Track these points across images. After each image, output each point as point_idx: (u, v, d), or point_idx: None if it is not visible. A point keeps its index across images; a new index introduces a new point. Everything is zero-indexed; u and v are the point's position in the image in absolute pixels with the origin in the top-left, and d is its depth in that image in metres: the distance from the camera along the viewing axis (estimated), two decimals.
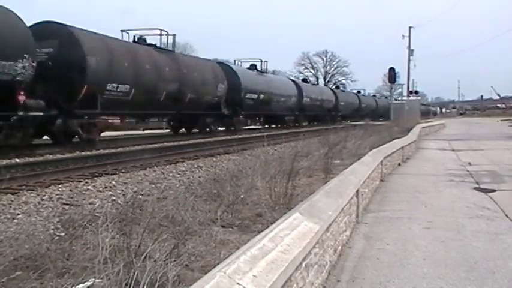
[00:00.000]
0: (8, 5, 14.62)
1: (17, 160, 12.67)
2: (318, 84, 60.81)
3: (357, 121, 45.13)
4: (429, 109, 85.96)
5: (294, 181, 7.08)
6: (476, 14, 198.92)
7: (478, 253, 5.04)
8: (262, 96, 31.47)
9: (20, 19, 14.73)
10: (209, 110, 25.80)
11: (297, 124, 38.72)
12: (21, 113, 14.01)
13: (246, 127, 32.18)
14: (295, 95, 38.28)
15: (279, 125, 37.13)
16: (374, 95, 74.66)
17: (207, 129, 26.19)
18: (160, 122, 31.86)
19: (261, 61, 34.01)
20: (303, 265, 3.29)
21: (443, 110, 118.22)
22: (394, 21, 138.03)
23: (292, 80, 43.99)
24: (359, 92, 65.11)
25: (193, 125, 26.27)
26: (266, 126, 36.52)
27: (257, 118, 36.76)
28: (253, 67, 33.15)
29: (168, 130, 28.69)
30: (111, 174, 10.94)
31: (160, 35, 22.60)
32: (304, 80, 51.23)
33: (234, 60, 33.15)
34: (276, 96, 34.16)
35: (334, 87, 62.50)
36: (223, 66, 29.12)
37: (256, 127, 35.47)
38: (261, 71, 33.76)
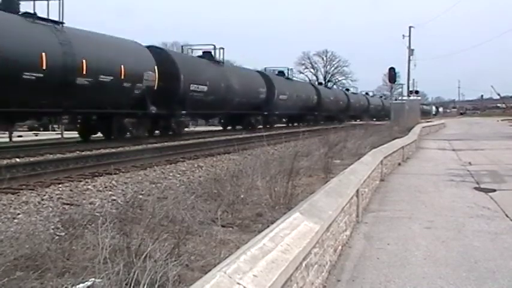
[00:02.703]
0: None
1: (18, 160, 12.68)
2: (321, 84, 61.69)
3: (365, 120, 49.51)
4: (424, 109, 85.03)
5: (294, 181, 7.08)
6: (476, 13, 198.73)
7: (478, 253, 5.04)
8: (290, 98, 37.34)
9: (144, 47, 22.30)
10: (253, 110, 32.19)
11: (315, 123, 43.12)
12: (148, 112, 20.91)
13: (277, 125, 37.90)
14: (315, 97, 44.42)
15: (301, 124, 41.14)
16: (380, 96, 75.21)
17: (249, 127, 31.81)
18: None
19: (288, 69, 40.66)
20: (303, 265, 3.29)
21: (440, 109, 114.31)
22: (394, 21, 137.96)
23: (312, 84, 52.40)
24: (367, 93, 67.16)
25: (239, 122, 32.63)
26: (289, 124, 42.17)
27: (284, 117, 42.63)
28: (281, 74, 38.48)
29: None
30: (112, 174, 10.93)
31: (214, 49, 28.35)
32: (320, 83, 60.09)
33: (264, 68, 38.51)
34: (301, 99, 40.21)
35: (345, 89, 65.32)
36: (261, 74, 35.22)
37: (283, 125, 40.93)
38: (287, 77, 39.28)
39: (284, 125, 41.75)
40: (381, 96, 75.35)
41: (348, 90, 63.39)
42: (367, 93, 68.43)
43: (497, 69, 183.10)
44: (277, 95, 34.69)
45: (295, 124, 41.26)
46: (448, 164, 13.40)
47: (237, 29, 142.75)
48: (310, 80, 61.59)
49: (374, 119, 54.98)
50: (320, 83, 59.98)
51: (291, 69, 40.70)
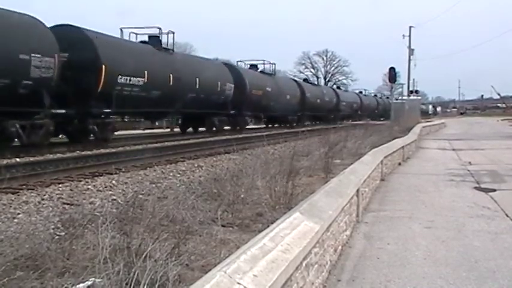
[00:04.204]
0: (8, 5, 14.58)
1: (17, 160, 12.67)
2: (320, 86, 61.11)
3: (375, 120, 50.45)
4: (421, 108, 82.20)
5: (294, 181, 7.08)
6: (476, 13, 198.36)
7: (478, 252, 5.04)
8: (318, 101, 41.97)
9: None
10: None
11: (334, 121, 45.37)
12: None
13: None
14: (335, 99, 47.79)
15: (322, 122, 45.39)
16: (360, 92, 74.45)
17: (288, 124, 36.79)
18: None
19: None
20: (304, 265, 3.29)
21: (438, 109, 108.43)
22: (394, 21, 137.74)
23: (332, 88, 54.52)
24: (339, 87, 65.51)
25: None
26: (313, 122, 44.30)
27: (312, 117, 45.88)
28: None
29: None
30: (112, 174, 10.94)
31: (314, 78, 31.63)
32: (338, 88, 61.44)
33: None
34: (326, 102, 44.56)
35: (357, 91, 66.13)
36: (296, 81, 40.79)
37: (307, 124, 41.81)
38: (315, 84, 44.16)
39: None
40: (361, 92, 68.84)
41: (361, 92, 62.73)
42: (338, 87, 61.30)
43: (497, 69, 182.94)
44: (308, 100, 36.97)
45: (317, 122, 43.34)
46: (448, 164, 13.40)
47: (237, 29, 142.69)
48: (310, 80, 61.04)
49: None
50: (338, 87, 60.06)
51: (319, 77, 40.84)
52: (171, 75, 21.60)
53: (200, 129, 27.36)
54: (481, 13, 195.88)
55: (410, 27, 45.40)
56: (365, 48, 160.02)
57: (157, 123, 31.22)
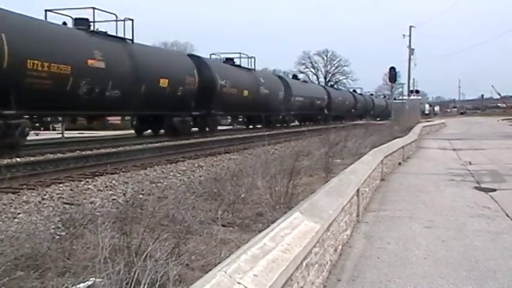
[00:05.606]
0: (8, 4, 14.43)
1: (18, 159, 12.67)
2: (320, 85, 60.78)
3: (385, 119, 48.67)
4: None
5: (294, 180, 7.07)
6: (476, 13, 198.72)
7: (479, 252, 5.04)
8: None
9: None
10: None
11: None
12: None
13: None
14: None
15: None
16: (372, 94, 74.59)
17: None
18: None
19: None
20: (304, 264, 3.29)
21: (436, 108, 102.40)
22: (394, 21, 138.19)
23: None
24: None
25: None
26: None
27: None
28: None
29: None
30: (112, 174, 10.94)
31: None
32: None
33: None
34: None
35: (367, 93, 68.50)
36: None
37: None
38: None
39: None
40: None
41: (384, 97, 64.52)
42: (384, 96, 60.76)
43: (497, 69, 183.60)
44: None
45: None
46: (448, 164, 13.40)
47: (237, 29, 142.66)
48: (310, 80, 60.87)
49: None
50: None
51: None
52: None
53: None
54: (481, 13, 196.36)
55: (410, 27, 45.40)
56: (365, 48, 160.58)
57: None
